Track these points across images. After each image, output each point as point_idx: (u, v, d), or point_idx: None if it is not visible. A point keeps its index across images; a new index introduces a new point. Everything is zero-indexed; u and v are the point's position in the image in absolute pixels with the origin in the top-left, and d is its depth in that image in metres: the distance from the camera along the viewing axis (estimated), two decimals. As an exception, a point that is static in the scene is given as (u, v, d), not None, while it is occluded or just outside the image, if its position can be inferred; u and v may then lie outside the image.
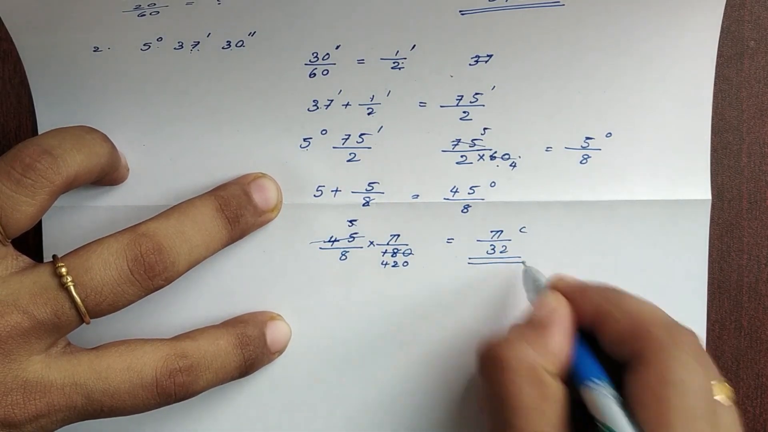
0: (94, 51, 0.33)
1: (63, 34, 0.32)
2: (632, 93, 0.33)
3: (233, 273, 0.34)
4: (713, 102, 0.34)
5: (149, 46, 0.33)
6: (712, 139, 0.34)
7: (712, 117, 0.34)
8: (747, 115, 0.35)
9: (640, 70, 0.33)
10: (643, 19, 0.33)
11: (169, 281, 0.30)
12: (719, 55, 0.33)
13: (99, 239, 0.30)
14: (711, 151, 0.34)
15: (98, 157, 0.31)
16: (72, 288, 0.28)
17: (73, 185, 0.30)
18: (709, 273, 0.34)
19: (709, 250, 0.34)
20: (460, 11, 0.33)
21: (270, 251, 0.34)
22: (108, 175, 0.32)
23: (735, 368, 0.35)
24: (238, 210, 0.32)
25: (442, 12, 0.33)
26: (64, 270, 0.28)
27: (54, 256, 0.29)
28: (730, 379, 0.35)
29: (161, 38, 0.33)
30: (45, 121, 0.34)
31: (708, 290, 0.34)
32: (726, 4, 0.32)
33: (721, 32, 0.33)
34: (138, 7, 0.32)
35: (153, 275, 0.29)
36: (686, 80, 0.33)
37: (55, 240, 0.34)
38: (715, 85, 0.33)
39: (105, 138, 0.32)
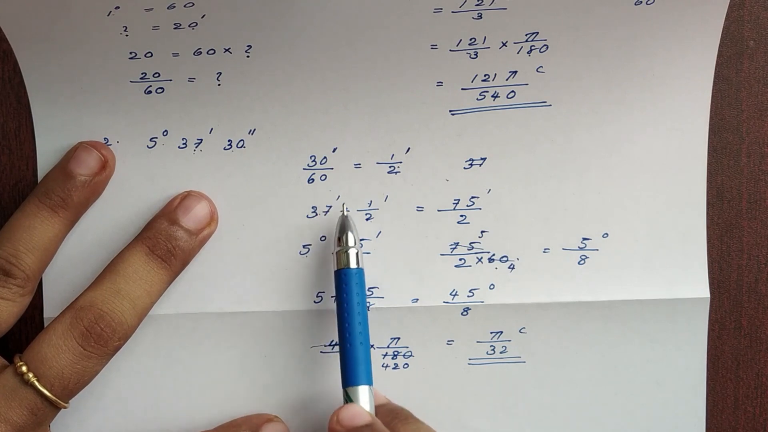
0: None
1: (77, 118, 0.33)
2: (626, 193, 0.34)
3: (234, 378, 0.34)
4: (713, 101, 0.34)
5: (155, 143, 0.33)
6: (711, 138, 0.34)
7: (712, 116, 0.34)
8: (746, 115, 0.35)
9: (631, 171, 0.34)
10: (629, 119, 0.33)
11: (124, 339, 0.31)
12: (719, 55, 0.33)
13: (47, 326, 0.31)
14: (711, 151, 0.34)
15: (55, 241, 0.32)
16: (36, 383, 0.30)
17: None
18: (709, 273, 0.34)
19: (709, 250, 0.34)
20: (450, 111, 0.33)
21: (271, 356, 0.34)
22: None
23: (735, 368, 0.35)
24: (168, 244, 0.32)
25: (433, 112, 0.33)
26: (24, 368, 0.30)
27: (15, 356, 0.30)
28: (730, 379, 0.35)
29: (166, 132, 0.33)
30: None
31: (708, 290, 0.34)
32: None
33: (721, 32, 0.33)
34: (144, 77, 0.33)
35: (105, 342, 0.30)
36: (679, 180, 0.34)
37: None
38: (714, 85, 0.34)
39: (52, 215, 0.32)
